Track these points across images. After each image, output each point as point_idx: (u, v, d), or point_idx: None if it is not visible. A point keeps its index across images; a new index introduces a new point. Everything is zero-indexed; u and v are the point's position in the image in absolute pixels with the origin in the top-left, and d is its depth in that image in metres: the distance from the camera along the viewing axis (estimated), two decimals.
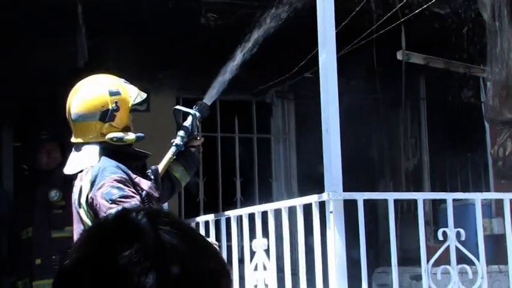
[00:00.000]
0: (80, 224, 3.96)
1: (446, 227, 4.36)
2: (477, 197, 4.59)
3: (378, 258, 7.04)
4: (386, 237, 4.53)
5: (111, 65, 6.79)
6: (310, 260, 4.26)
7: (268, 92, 7.51)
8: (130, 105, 4.02)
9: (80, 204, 3.91)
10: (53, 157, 6.03)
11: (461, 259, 4.66)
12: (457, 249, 4.28)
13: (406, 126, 7.35)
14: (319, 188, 4.25)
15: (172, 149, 4.40)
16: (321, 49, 4.21)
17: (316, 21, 4.22)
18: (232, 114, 7.63)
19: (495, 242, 6.13)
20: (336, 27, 4.37)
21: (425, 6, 5.70)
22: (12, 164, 7.80)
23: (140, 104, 4.14)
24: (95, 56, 6.44)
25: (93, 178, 3.84)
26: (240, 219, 4.81)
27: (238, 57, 4.66)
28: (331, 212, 4.04)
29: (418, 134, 7.39)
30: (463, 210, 5.93)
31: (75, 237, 4.07)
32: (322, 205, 4.14)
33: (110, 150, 3.95)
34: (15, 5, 5.88)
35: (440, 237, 4.26)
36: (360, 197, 4.15)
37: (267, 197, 7.42)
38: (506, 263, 4.58)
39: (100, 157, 3.93)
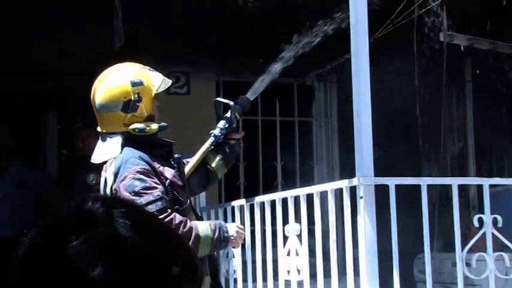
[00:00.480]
0: None
1: (493, 212, 4.29)
2: None
3: (422, 244, 6.94)
4: (430, 223, 4.45)
5: (149, 48, 6.86)
6: (343, 245, 4.22)
7: (309, 75, 7.44)
8: (153, 94, 4.02)
9: (104, 190, 3.97)
10: (88, 144, 6.04)
11: (502, 246, 4.58)
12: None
13: (451, 109, 7.23)
14: None
15: (210, 140, 4.41)
16: (352, 30, 4.13)
17: None
18: (273, 97, 7.58)
19: None
20: (373, 8, 4.30)
21: None
22: (56, 147, 7.92)
23: (171, 90, 4.16)
24: (133, 39, 6.48)
25: (116, 170, 3.88)
26: (273, 203, 4.76)
27: (286, 58, 4.62)
28: (361, 198, 3.97)
29: (463, 117, 7.25)
30: (508, 196, 5.80)
31: None
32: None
33: (133, 140, 3.97)
34: None
35: (476, 224, 4.16)
36: (391, 182, 4.07)
37: (308, 181, 7.35)
38: None
39: (122, 148, 3.95)
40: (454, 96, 7.19)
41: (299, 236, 4.49)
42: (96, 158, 4.09)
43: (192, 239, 3.83)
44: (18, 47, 6.76)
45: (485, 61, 6.69)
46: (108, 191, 3.92)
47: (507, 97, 6.59)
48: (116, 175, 3.86)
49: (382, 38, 5.94)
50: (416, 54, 6.34)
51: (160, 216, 3.68)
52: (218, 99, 4.63)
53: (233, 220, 5.17)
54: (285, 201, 4.62)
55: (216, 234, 3.97)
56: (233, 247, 4.41)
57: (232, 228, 4.08)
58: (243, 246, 5.01)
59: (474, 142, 7.15)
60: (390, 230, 4.05)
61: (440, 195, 6.50)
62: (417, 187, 4.17)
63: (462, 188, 5.82)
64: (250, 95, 4.58)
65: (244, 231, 4.24)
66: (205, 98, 6.73)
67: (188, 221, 3.88)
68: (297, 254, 4.55)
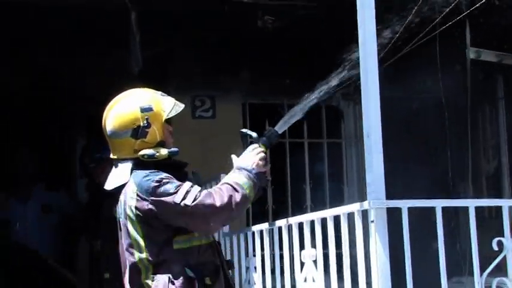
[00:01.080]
0: (127, 238, 3.95)
1: None
2: None
3: (456, 267, 6.86)
4: (465, 246, 4.37)
5: (173, 73, 6.91)
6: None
7: (335, 95, 7.38)
8: (163, 119, 4.02)
9: (126, 216, 3.92)
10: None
11: None
12: None
13: (484, 127, 7.13)
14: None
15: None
16: (361, 50, 4.05)
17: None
18: (300, 119, 7.55)
19: None
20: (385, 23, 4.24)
21: None
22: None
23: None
24: (156, 64, 6.52)
25: (137, 188, 3.86)
26: (288, 229, 4.71)
27: (314, 96, 4.53)
28: (372, 222, 3.88)
29: (497, 136, 7.13)
30: None
31: (121, 251, 4.07)
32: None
33: (143, 164, 3.95)
34: (77, 16, 6.01)
35: (495, 247, 4.05)
36: (404, 204, 3.98)
37: (338, 203, 7.29)
38: None
39: (131, 173, 3.95)
40: (488, 114, 7.08)
41: (315, 262, 4.44)
42: (108, 185, 4.10)
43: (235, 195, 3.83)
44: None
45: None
46: (129, 211, 3.89)
47: None
48: (138, 195, 3.84)
49: (408, 55, 5.87)
50: (442, 72, 6.26)
51: (193, 191, 3.76)
52: (243, 130, 4.54)
53: (253, 246, 5.16)
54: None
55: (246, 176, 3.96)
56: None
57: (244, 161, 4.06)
58: (263, 272, 5.00)
59: (508, 160, 7.02)
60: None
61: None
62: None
63: (495, 209, 5.67)
64: (279, 128, 4.43)
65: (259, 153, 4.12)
66: (232, 122, 6.73)
67: (222, 186, 3.87)
68: (313, 280, 4.49)
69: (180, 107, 4.11)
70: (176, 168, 4.07)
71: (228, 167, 4.34)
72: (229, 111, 7.16)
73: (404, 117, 6.12)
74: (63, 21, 6.02)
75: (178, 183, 3.83)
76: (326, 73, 5.69)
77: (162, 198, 3.77)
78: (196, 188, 3.83)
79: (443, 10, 5.37)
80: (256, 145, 4.15)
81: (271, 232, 4.94)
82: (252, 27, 6.12)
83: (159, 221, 3.82)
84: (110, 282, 5.79)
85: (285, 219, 4.78)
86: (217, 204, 3.77)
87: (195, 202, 3.75)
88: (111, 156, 4.09)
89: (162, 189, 3.79)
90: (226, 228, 5.66)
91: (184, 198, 3.75)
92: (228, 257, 5.53)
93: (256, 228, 5.16)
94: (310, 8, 6.11)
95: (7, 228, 7.10)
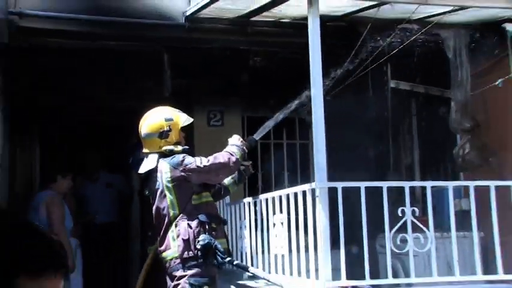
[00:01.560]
0: (164, 202, 4.04)
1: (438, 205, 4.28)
2: (450, 184, 4.45)
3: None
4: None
5: (195, 95, 6.94)
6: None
7: (302, 110, 7.39)
8: (179, 127, 4.15)
9: (164, 186, 4.03)
10: None
11: (438, 227, 4.52)
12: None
13: (403, 133, 7.14)
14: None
15: None
16: (312, 84, 4.13)
17: None
18: (281, 126, 7.57)
19: (463, 216, 5.86)
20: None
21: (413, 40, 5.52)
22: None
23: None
24: (185, 90, 6.56)
25: (170, 165, 4.01)
26: (266, 201, 4.78)
27: (284, 113, 4.68)
28: (317, 196, 3.97)
29: (411, 139, 7.14)
30: (442, 193, 5.71)
31: (156, 214, 4.15)
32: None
33: (165, 156, 4.09)
34: (125, 55, 6.00)
35: (400, 214, 4.11)
36: (339, 185, 4.06)
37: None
38: (470, 230, 4.42)
39: (157, 161, 4.05)
40: (406, 125, 7.09)
41: (282, 224, 4.50)
42: (141, 170, 4.19)
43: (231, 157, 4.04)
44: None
45: (423, 100, 6.62)
46: (165, 180, 4.01)
47: (438, 124, 6.43)
48: (171, 168, 3.99)
49: (349, 85, 5.87)
50: (373, 96, 6.27)
51: (204, 158, 4.00)
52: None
53: (245, 212, 5.20)
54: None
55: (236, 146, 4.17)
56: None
57: (234, 140, 4.26)
58: (250, 229, 5.05)
59: (418, 157, 7.02)
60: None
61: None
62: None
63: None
64: (256, 136, 4.63)
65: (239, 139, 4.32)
66: (235, 129, 6.76)
67: (223, 152, 4.10)
68: (276, 236, 4.56)
69: (190, 120, 4.27)
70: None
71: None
72: (233, 121, 7.14)
73: (347, 127, 6.14)
74: (113, 62, 6.00)
75: (192, 157, 4.04)
76: (296, 95, 5.77)
77: (188, 166, 3.97)
78: (204, 157, 4.03)
79: (374, 52, 5.40)
80: (237, 135, 4.38)
81: (256, 203, 5.00)
82: (247, 65, 6.15)
83: (187, 184, 3.96)
84: (151, 237, 5.80)
85: (265, 194, 4.87)
86: (222, 161, 4.02)
87: (209, 163, 3.98)
88: (143, 151, 4.20)
89: (186, 161, 3.99)
90: (227, 200, 5.61)
91: (201, 163, 3.97)
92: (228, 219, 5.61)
93: (246, 200, 5.24)
94: (285, 52, 6.13)
95: (83, 202, 7.14)
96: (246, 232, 5.14)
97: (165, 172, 4.01)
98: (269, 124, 4.58)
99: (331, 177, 3.92)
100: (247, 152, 4.36)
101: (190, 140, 7.00)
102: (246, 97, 7.05)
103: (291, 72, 5.98)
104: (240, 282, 4.96)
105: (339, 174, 4.66)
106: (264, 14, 5.44)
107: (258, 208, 4.94)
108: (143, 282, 4.21)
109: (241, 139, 4.30)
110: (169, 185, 3.99)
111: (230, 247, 5.44)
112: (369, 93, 6.09)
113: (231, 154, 4.09)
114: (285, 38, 5.64)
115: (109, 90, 6.29)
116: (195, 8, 5.49)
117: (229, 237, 5.52)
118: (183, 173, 3.96)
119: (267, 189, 7.28)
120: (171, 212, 3.99)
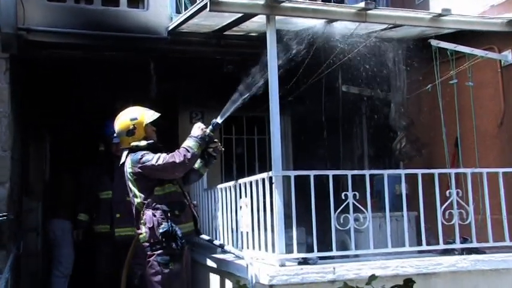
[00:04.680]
0: (130, 191, 4.01)
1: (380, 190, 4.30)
2: (385, 173, 4.45)
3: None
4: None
5: (180, 98, 6.89)
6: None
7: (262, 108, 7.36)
8: (145, 124, 4.07)
9: (128, 178, 4.01)
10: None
11: (382, 208, 4.50)
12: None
13: (355, 130, 7.17)
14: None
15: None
16: (270, 94, 4.13)
17: None
18: (253, 124, 7.56)
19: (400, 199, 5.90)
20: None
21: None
22: None
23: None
24: (168, 93, 6.50)
25: (131, 161, 3.94)
26: (234, 187, 4.78)
27: (239, 93, 4.58)
28: (273, 183, 3.98)
29: (361, 135, 7.18)
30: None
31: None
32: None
33: (134, 151, 4.02)
34: (125, 65, 5.95)
35: (343, 197, 4.12)
36: (292, 173, 4.07)
37: None
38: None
39: (126, 157, 4.03)
40: (356, 123, 7.13)
41: (247, 206, 4.51)
42: (120, 162, 4.15)
43: (187, 154, 3.84)
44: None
45: (370, 102, 6.65)
46: (129, 175, 3.96)
47: (383, 123, 6.45)
48: (133, 163, 3.92)
49: (306, 88, 5.85)
50: (327, 98, 6.28)
51: (162, 157, 3.81)
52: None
53: (220, 196, 5.17)
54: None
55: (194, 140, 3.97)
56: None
57: (194, 131, 4.07)
58: (222, 212, 5.02)
59: (367, 150, 7.06)
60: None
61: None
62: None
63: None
64: (219, 119, 4.40)
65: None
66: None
67: (180, 149, 3.88)
68: (242, 216, 4.56)
69: (156, 115, 4.14)
70: (155, 149, 4.05)
71: None
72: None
73: (307, 125, 6.15)
74: (108, 71, 5.92)
75: (154, 155, 3.89)
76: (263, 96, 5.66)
77: (145, 164, 3.86)
78: (164, 155, 3.87)
79: (327, 59, 5.40)
80: (199, 123, 4.19)
81: (227, 189, 4.97)
82: (221, 72, 6.14)
83: (145, 178, 3.89)
84: (120, 220, 5.39)
85: (233, 182, 4.85)
86: (177, 161, 3.84)
87: (163, 162, 3.83)
88: (121, 146, 4.16)
89: (144, 159, 3.87)
90: (205, 185, 5.59)
91: (157, 162, 3.83)
92: (202, 203, 5.58)
93: (219, 186, 5.22)
94: (254, 61, 6.09)
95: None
96: (219, 213, 5.13)
97: (128, 167, 3.98)
98: (228, 107, 4.51)
99: (298, 167, 3.87)
100: (212, 134, 4.18)
101: (175, 134, 7.00)
102: (222, 99, 7.01)
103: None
104: (213, 255, 4.99)
105: (307, 165, 4.64)
106: (235, 28, 5.44)
107: (228, 193, 4.94)
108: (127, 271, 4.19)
109: (202, 126, 4.08)
110: (131, 178, 3.96)
111: (207, 226, 5.48)
112: (324, 96, 6.10)
113: (187, 150, 3.88)
114: (252, 49, 5.62)
115: (104, 93, 6.22)
116: (175, 24, 5.49)
117: (206, 218, 5.56)
118: (140, 170, 3.89)
119: (240, 176, 7.27)
120: (136, 201, 3.95)
